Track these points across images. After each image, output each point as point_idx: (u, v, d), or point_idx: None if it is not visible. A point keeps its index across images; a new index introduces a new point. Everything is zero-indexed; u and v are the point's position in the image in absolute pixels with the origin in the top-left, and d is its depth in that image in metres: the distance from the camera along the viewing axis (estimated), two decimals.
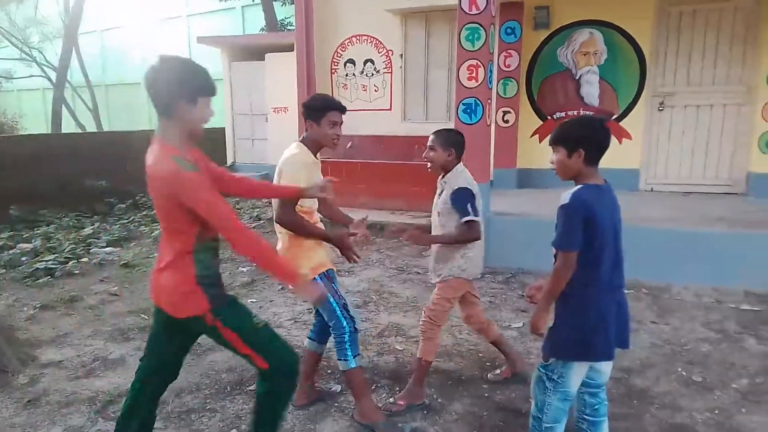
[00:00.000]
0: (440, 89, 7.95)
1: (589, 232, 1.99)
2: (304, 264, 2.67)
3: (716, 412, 2.87)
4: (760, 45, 6.10)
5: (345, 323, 2.72)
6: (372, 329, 4.02)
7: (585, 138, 2.07)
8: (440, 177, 2.97)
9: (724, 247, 4.73)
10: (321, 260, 2.75)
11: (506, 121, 7.12)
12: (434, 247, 3.03)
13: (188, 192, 1.88)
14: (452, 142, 2.90)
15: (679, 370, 3.33)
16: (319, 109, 2.68)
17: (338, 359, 2.76)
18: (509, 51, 6.98)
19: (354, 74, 8.39)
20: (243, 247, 1.99)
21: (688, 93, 6.53)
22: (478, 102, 5.36)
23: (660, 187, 6.71)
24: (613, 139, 6.67)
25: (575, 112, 6.88)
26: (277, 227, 2.73)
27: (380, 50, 8.20)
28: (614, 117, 6.76)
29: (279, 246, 2.77)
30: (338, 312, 2.71)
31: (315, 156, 2.76)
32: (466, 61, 5.33)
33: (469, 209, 2.79)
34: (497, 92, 6.98)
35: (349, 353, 2.72)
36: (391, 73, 8.19)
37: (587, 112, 6.84)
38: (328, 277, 2.74)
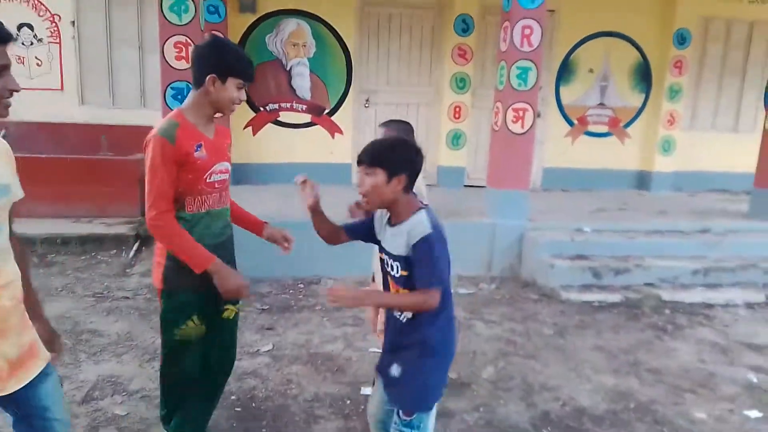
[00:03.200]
0: (130, 68, 6.64)
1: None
2: None
3: (481, 409, 2.91)
4: (443, 50, 6.84)
5: None
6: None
7: (408, 162, 1.83)
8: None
9: None
10: None
11: None
12: None
13: (145, 154, 1.94)
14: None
15: None
16: None
17: None
18: (214, 32, 6.22)
19: None
20: (156, 237, 2.02)
21: (388, 91, 6.92)
22: (191, 87, 4.53)
23: None
24: (327, 135, 6.80)
25: (289, 105, 6.60)
26: None
27: (42, 13, 6.37)
28: (326, 111, 6.73)
29: None
30: None
31: None
32: (171, 36, 4.45)
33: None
34: None
35: None
36: (60, 43, 6.47)
37: (301, 105, 6.64)
38: None
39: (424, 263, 1.76)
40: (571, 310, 4.33)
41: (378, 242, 1.97)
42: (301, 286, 4.62)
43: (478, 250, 5.13)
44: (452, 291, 1.86)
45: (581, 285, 4.69)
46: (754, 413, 2.94)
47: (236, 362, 3.29)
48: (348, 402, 2.92)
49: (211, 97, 2.02)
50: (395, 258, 1.84)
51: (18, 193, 1.59)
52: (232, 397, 2.93)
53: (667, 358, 3.59)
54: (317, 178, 2.20)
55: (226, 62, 1.99)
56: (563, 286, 4.65)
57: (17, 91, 1.52)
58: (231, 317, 2.29)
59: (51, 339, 1.73)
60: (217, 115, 2.13)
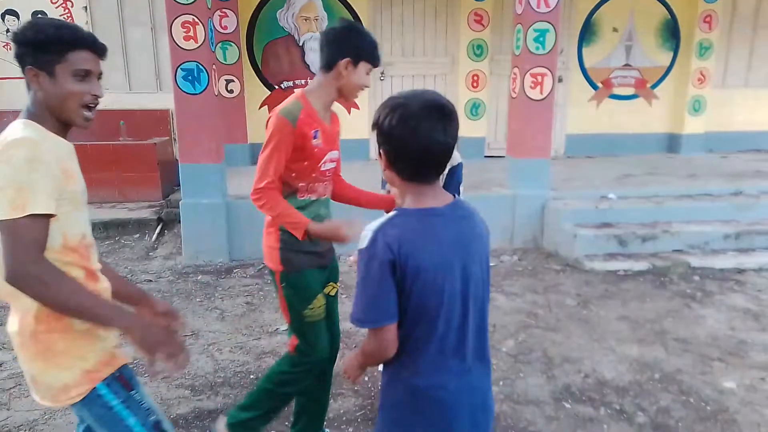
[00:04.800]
0: (144, 51, 6.65)
1: (405, 289, 1.23)
2: (71, 365, 1.42)
3: (501, 383, 2.86)
4: (459, 18, 6.64)
5: None
6: None
7: (389, 137, 1.26)
8: None
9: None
10: (106, 352, 1.49)
11: (231, 91, 6.34)
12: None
13: (267, 131, 1.94)
14: None
15: None
16: (53, 45, 1.36)
17: None
18: (224, 10, 6.16)
19: None
20: (260, 209, 2.00)
21: (403, 63, 6.78)
22: (201, 67, 4.49)
23: None
24: (343, 110, 6.70)
25: (303, 81, 6.52)
26: (9, 289, 1.30)
27: (54, 0, 6.41)
28: None
29: (14, 326, 1.42)
30: None
31: (64, 136, 1.46)
32: (178, 16, 4.39)
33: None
34: (216, 58, 6.13)
35: None
36: None
37: None
38: (122, 380, 1.50)
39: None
40: (595, 280, 4.22)
41: None
42: None
43: (499, 221, 5.02)
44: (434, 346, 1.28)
45: (606, 254, 4.56)
46: None
47: (255, 341, 3.36)
48: (365, 379, 2.91)
49: (341, 81, 1.97)
50: None
51: None
52: (251, 376, 2.94)
53: (695, 326, 3.47)
54: None
55: (361, 46, 1.97)
56: (587, 256, 4.53)
57: (100, 96, 1.47)
58: (333, 294, 2.30)
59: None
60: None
